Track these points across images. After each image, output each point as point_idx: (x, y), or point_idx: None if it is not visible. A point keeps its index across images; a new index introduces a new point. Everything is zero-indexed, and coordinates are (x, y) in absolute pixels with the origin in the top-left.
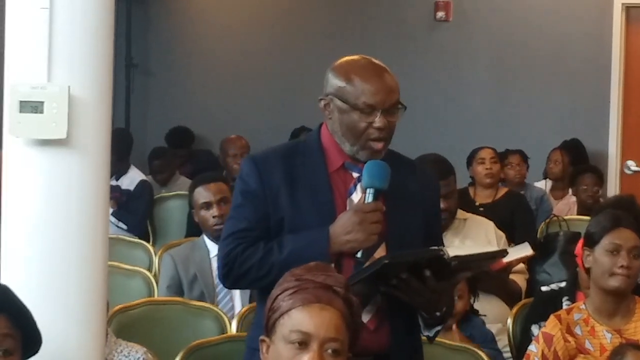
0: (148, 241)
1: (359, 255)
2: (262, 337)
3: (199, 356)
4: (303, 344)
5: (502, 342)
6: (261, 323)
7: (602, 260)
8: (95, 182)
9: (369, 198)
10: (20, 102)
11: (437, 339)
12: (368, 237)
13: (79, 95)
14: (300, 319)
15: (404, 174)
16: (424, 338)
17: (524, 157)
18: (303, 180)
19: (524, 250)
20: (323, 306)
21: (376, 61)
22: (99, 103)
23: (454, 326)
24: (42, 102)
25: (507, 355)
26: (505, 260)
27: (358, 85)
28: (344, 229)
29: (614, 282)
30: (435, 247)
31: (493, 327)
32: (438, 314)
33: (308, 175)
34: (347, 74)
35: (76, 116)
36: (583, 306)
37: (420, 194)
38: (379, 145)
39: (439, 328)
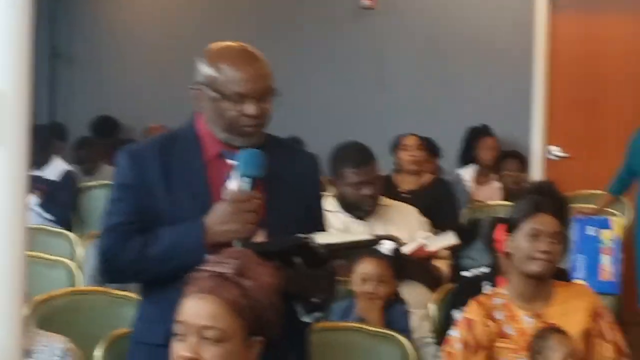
0: (74, 231)
1: (237, 245)
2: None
3: (121, 345)
4: (183, 335)
5: (426, 328)
6: (145, 316)
7: (522, 245)
8: (14, 174)
9: (245, 186)
10: None
11: (357, 324)
12: (244, 226)
13: None
14: (181, 310)
15: (283, 159)
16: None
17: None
18: (179, 171)
19: (448, 239)
20: (202, 295)
21: (248, 48)
22: (17, 95)
23: (377, 311)
24: None
25: (430, 340)
26: (429, 249)
27: (228, 73)
28: (219, 219)
29: (534, 267)
30: (303, 235)
31: (417, 313)
32: (315, 300)
33: (184, 166)
34: (216, 62)
35: None
36: (503, 291)
37: (300, 179)
38: (251, 131)
39: (318, 314)
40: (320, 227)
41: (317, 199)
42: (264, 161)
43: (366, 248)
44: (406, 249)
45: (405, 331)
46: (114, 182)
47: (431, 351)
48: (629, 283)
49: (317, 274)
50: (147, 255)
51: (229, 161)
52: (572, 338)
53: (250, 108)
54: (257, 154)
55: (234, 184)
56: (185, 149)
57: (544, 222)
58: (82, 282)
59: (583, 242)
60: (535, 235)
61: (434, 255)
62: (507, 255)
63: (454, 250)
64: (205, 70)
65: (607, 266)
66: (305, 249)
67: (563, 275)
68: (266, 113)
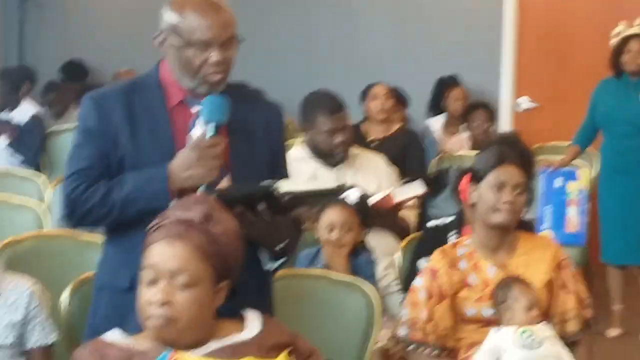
0: (43, 174)
1: (201, 190)
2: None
3: (88, 289)
4: (153, 280)
5: (392, 276)
6: (109, 260)
7: (486, 196)
8: None
9: (209, 132)
10: None
11: (322, 272)
12: (208, 172)
13: None
14: (150, 255)
15: (247, 106)
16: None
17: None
18: (142, 117)
19: (416, 188)
20: (171, 241)
21: None
22: None
23: (343, 258)
24: None
25: (396, 288)
26: (397, 199)
27: (191, 20)
28: (182, 165)
29: (498, 218)
30: (266, 183)
31: (383, 261)
32: (278, 247)
33: (147, 112)
34: (180, 9)
35: None
36: (468, 241)
37: (264, 126)
38: (215, 79)
39: (281, 261)
40: (284, 174)
41: (282, 147)
42: (227, 107)
43: (329, 197)
44: (373, 199)
45: (371, 279)
46: (78, 128)
47: (396, 299)
48: (594, 235)
49: (280, 221)
50: (110, 200)
51: (193, 108)
52: (534, 288)
53: (214, 55)
54: (220, 100)
55: (198, 130)
56: (149, 96)
57: (508, 173)
58: (50, 225)
59: (550, 193)
60: (499, 186)
61: (401, 205)
62: (472, 205)
63: (422, 200)
64: (170, 17)
65: (574, 217)
66: (269, 196)
67: (528, 227)
68: (230, 61)
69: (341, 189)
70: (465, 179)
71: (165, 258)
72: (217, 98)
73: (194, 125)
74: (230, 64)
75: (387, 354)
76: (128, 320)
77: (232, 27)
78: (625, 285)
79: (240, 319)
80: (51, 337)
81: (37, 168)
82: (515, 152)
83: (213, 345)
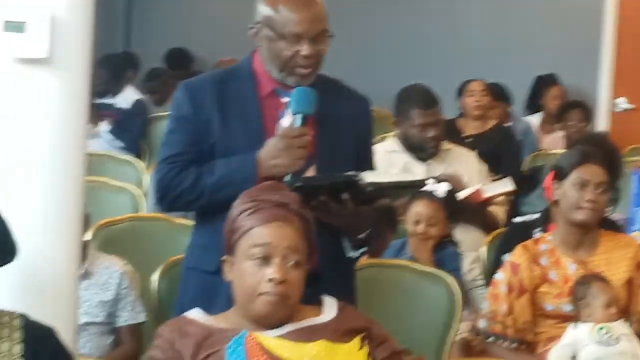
0: (142, 160)
1: (287, 178)
2: (224, 257)
3: (178, 271)
4: (265, 258)
5: (477, 270)
6: (198, 243)
7: (569, 193)
8: (74, 100)
9: (297, 123)
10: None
11: (406, 263)
12: (293, 161)
13: (61, 15)
14: (261, 235)
15: (335, 99)
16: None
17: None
18: (234, 105)
19: (505, 185)
20: (281, 223)
21: None
22: (80, 22)
23: (428, 251)
24: (23, 22)
25: (481, 282)
26: (486, 195)
27: (284, 14)
28: (270, 154)
29: (580, 216)
30: (352, 173)
31: (469, 255)
32: (361, 236)
33: (239, 100)
34: (274, 3)
35: (58, 35)
36: (550, 237)
37: (351, 118)
38: (305, 72)
39: (363, 249)
40: (369, 166)
41: (368, 139)
42: (315, 99)
43: (412, 189)
44: (462, 194)
45: (456, 271)
46: (172, 115)
47: (481, 293)
48: None
49: (363, 211)
50: (200, 185)
51: (283, 99)
52: (614, 286)
53: (304, 49)
54: (308, 91)
55: (287, 120)
56: (241, 85)
57: (592, 172)
58: (146, 210)
59: None
60: (582, 185)
61: (489, 201)
62: (555, 202)
63: (515, 197)
64: (264, 10)
65: None
66: (353, 185)
67: (612, 226)
68: (320, 54)
69: (423, 181)
70: (550, 176)
71: (281, 238)
72: (305, 90)
73: (283, 115)
74: (320, 57)
75: (468, 345)
76: (214, 301)
77: (323, 22)
78: None
79: (318, 304)
80: (140, 317)
81: (138, 154)
82: (599, 151)
83: (289, 327)
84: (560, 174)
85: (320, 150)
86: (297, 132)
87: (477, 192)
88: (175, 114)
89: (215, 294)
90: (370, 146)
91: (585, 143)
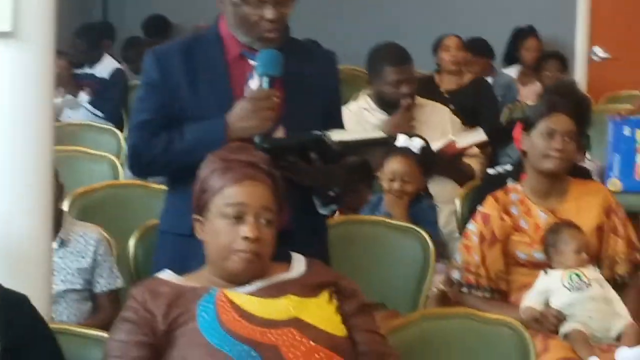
0: (121, 129)
1: (256, 140)
2: (195, 217)
3: (154, 235)
4: (239, 217)
5: (455, 223)
6: (172, 207)
7: (537, 143)
8: (39, 72)
9: (264, 85)
10: None
11: (378, 218)
12: (262, 123)
13: None
14: (234, 193)
15: (302, 60)
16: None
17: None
18: (202, 70)
19: (478, 135)
20: (253, 182)
21: None
22: None
23: (403, 207)
24: None
25: (458, 235)
26: (459, 145)
27: None
28: (239, 116)
29: (548, 164)
30: (319, 132)
31: (445, 209)
32: (331, 193)
33: (207, 65)
34: None
35: (20, 9)
36: (520, 187)
37: (319, 78)
38: (271, 35)
39: (334, 207)
40: (337, 124)
41: (336, 97)
42: (282, 61)
43: (379, 145)
44: (435, 146)
45: (432, 225)
46: (141, 81)
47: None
48: None
49: (332, 168)
50: (172, 150)
51: (250, 61)
52: (584, 233)
53: (269, 12)
54: (275, 54)
55: (254, 83)
56: (208, 50)
57: (559, 121)
58: (125, 177)
59: (618, 142)
60: (549, 134)
61: (463, 152)
62: (524, 153)
63: (493, 149)
64: None
65: None
66: (320, 144)
67: (584, 173)
68: (285, 17)
69: (391, 138)
70: (518, 127)
71: (254, 197)
72: (270, 52)
73: (251, 78)
74: (285, 20)
75: (445, 297)
76: (189, 264)
77: None
78: None
79: (287, 261)
80: (118, 282)
81: (118, 123)
82: (567, 100)
83: (259, 283)
84: (529, 125)
85: (289, 111)
86: (265, 94)
87: (450, 144)
88: (145, 81)
89: (190, 256)
90: (338, 104)
91: (553, 93)
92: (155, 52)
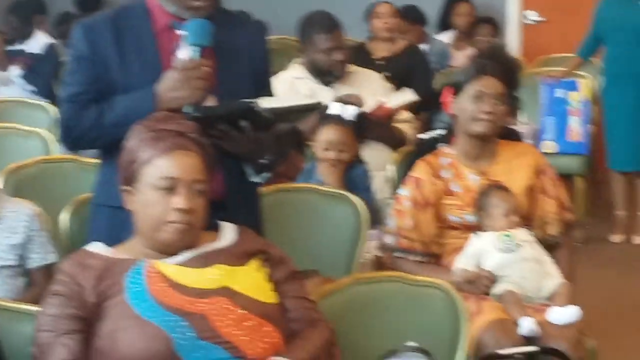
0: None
1: (187, 109)
2: (124, 187)
3: (87, 209)
4: (171, 188)
5: (388, 189)
6: (104, 180)
7: (467, 106)
8: None
9: (193, 55)
10: None
11: (310, 185)
12: (192, 92)
13: None
14: (165, 165)
15: (232, 29)
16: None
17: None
18: (130, 42)
19: (407, 95)
20: (183, 152)
21: None
22: None
23: (338, 175)
24: None
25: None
26: (389, 105)
27: None
28: (168, 86)
29: (478, 127)
30: (248, 100)
31: (378, 175)
32: (262, 161)
33: (135, 36)
34: None
35: None
36: (450, 151)
37: (249, 47)
38: (199, 4)
39: (266, 175)
40: (268, 93)
41: (266, 66)
42: (211, 30)
43: (309, 112)
44: (366, 108)
45: (366, 191)
46: (70, 55)
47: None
48: (599, 143)
49: (263, 136)
50: (102, 122)
51: (179, 32)
52: (514, 194)
53: None
54: (204, 23)
55: (184, 53)
56: (136, 21)
57: (488, 84)
58: (58, 152)
59: (551, 104)
60: (478, 97)
61: (395, 113)
62: (454, 116)
63: (427, 115)
64: None
65: (576, 127)
66: (250, 112)
67: (514, 135)
68: None
69: (320, 104)
70: (447, 90)
71: (186, 167)
72: (199, 22)
73: (179, 48)
74: None
75: (380, 262)
76: (123, 236)
77: None
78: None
79: (215, 230)
80: (51, 257)
81: (51, 97)
82: (495, 63)
83: (188, 254)
84: (457, 88)
85: (220, 80)
86: (195, 64)
87: (381, 105)
88: (73, 54)
89: (124, 228)
90: (269, 73)
91: (482, 56)
92: (83, 25)
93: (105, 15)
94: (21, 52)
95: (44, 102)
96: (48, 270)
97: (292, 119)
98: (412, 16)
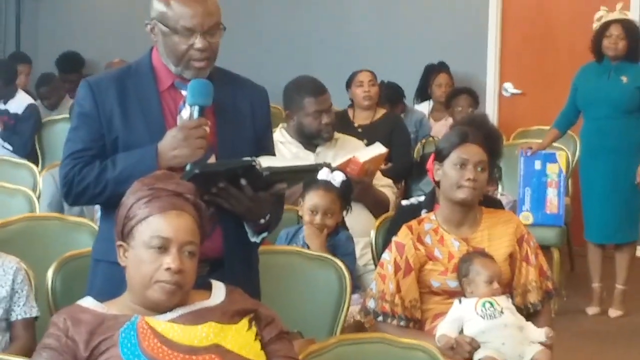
0: (37, 164)
1: (188, 168)
2: (119, 243)
3: (72, 267)
4: (163, 248)
5: (370, 255)
6: (105, 235)
7: (450, 173)
8: None
9: (195, 115)
10: None
11: (295, 248)
12: (193, 151)
13: None
14: (159, 225)
15: (232, 89)
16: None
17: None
18: (135, 101)
19: (377, 148)
20: (178, 212)
21: None
22: None
23: (322, 239)
24: None
25: (373, 267)
26: (362, 159)
27: (177, 9)
28: (170, 145)
29: (460, 194)
30: (248, 158)
31: (360, 241)
32: (262, 221)
33: (140, 96)
34: None
35: None
36: (433, 217)
37: (250, 107)
38: (200, 65)
39: (265, 234)
40: (269, 153)
41: (267, 127)
42: (211, 91)
43: (308, 173)
44: (337, 162)
45: (349, 256)
46: (75, 112)
47: (374, 277)
48: (577, 215)
49: (262, 196)
50: (104, 179)
51: (182, 91)
52: (496, 262)
53: (198, 42)
54: (204, 83)
55: (186, 112)
56: (141, 80)
57: (470, 151)
58: (39, 210)
59: (529, 175)
60: (461, 164)
61: (371, 171)
62: (437, 183)
63: (406, 184)
64: (157, 6)
65: (553, 199)
66: (250, 171)
67: (493, 203)
68: (214, 47)
69: (318, 166)
70: (431, 157)
71: (179, 228)
72: (200, 82)
73: (183, 108)
74: (214, 50)
75: (361, 326)
76: (121, 292)
77: (216, 16)
78: (603, 264)
79: (207, 288)
80: (33, 311)
81: (27, 157)
82: (478, 131)
83: (180, 311)
84: (441, 155)
85: (220, 140)
86: (195, 123)
87: (353, 160)
88: (78, 111)
89: (122, 284)
90: (270, 134)
91: (465, 124)
92: (89, 82)
93: (111, 73)
94: (2, 112)
95: (27, 161)
96: (29, 325)
97: (291, 179)
98: (393, 96)
